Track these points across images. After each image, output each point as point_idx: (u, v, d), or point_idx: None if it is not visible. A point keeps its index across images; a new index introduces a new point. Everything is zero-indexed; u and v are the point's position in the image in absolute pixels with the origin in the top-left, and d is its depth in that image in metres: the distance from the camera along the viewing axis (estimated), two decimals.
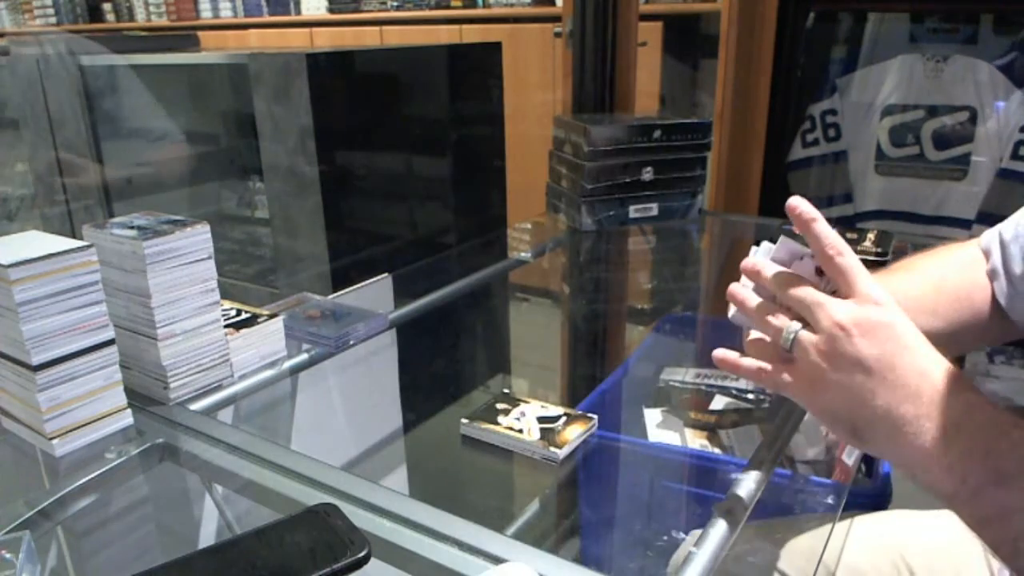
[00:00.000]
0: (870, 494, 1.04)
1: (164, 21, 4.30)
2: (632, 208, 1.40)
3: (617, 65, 1.62)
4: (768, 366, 0.59)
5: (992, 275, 0.75)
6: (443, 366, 1.29)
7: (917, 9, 1.90)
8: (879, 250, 1.08)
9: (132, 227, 0.74)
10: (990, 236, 0.77)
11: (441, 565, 0.52)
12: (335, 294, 1.06)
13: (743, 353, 0.63)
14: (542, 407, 0.79)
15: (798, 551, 0.75)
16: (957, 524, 0.78)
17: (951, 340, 0.73)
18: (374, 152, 1.53)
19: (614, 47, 1.61)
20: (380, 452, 1.13)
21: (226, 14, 4.08)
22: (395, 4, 3.45)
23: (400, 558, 0.54)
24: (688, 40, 2.77)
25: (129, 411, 0.71)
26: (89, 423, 0.68)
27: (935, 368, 0.51)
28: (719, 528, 0.56)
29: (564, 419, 0.77)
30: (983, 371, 2.01)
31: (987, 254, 0.77)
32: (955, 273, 0.76)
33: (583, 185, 1.36)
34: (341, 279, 1.41)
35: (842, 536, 0.77)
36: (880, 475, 1.08)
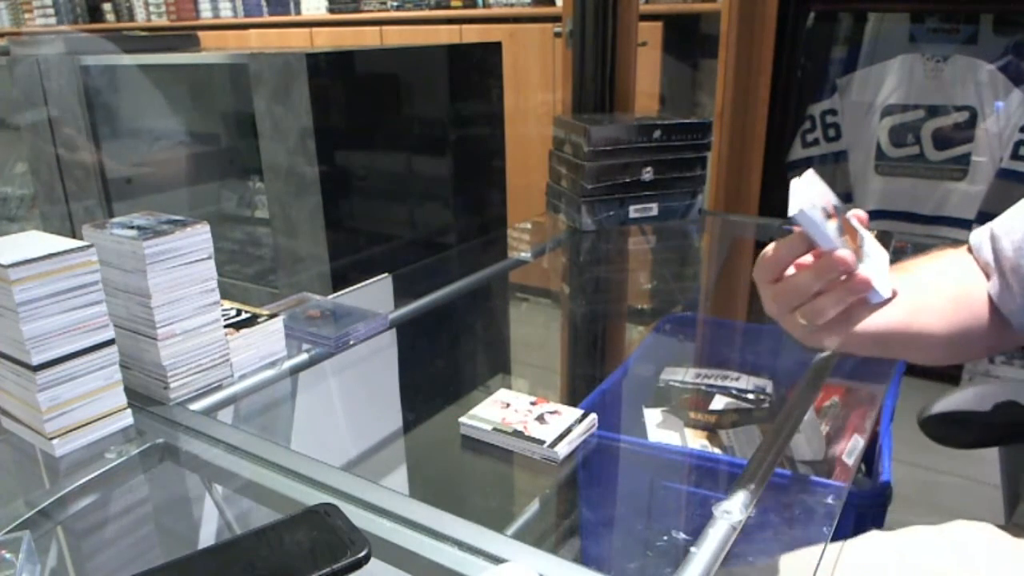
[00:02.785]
0: (870, 494, 1.04)
1: (164, 21, 4.30)
2: (632, 208, 1.40)
3: (617, 65, 1.62)
4: None
5: (986, 270, 0.74)
6: (443, 366, 1.29)
7: (917, 9, 1.90)
8: None
9: (132, 227, 0.74)
10: (980, 234, 0.77)
11: (441, 565, 0.52)
12: (335, 294, 1.06)
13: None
14: (542, 407, 0.79)
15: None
16: (955, 543, 0.76)
17: (951, 345, 0.72)
18: (374, 152, 1.53)
19: (614, 47, 1.61)
20: (380, 452, 1.13)
21: (226, 14, 4.08)
22: (395, 4, 3.45)
23: (400, 558, 0.54)
24: (688, 40, 2.77)
25: (129, 411, 0.71)
26: (89, 423, 0.68)
27: None
28: (719, 528, 0.56)
29: (564, 419, 0.77)
30: (983, 371, 2.01)
31: (977, 252, 0.76)
32: (952, 274, 0.75)
33: (583, 185, 1.35)
34: (341, 279, 1.41)
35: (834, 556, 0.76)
36: (880, 475, 1.08)
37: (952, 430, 0.88)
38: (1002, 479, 0.93)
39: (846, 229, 0.61)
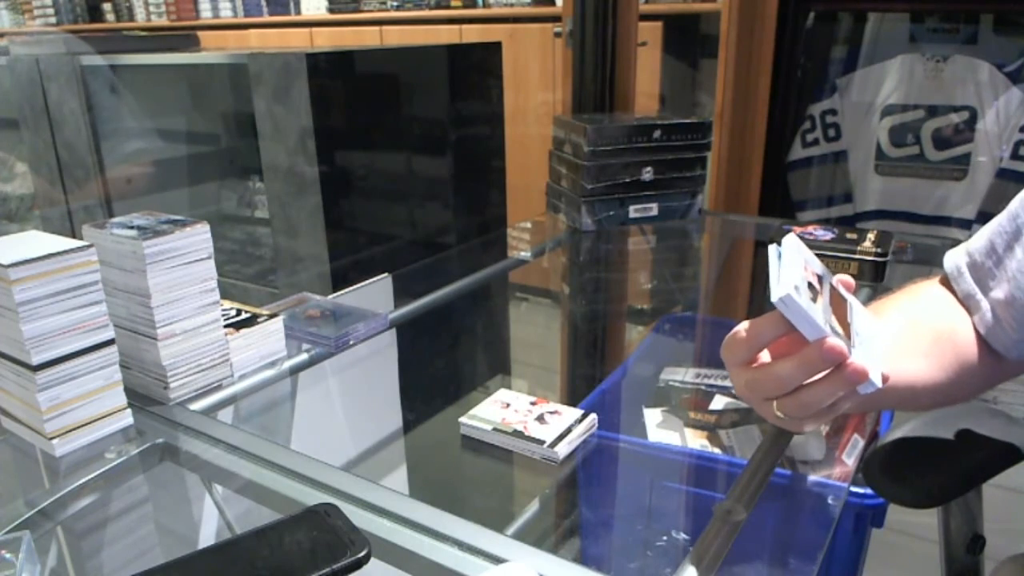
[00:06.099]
0: (870, 495, 1.04)
1: (164, 21, 4.30)
2: (632, 208, 1.40)
3: (617, 65, 1.62)
4: None
5: (968, 303, 0.67)
6: (443, 366, 1.29)
7: (917, 9, 1.90)
8: (879, 250, 1.08)
9: (132, 227, 0.74)
10: (955, 258, 0.69)
11: (441, 565, 0.52)
12: (335, 294, 1.06)
13: None
14: (542, 407, 0.79)
15: None
16: None
17: (940, 390, 0.64)
18: (374, 152, 1.53)
19: (614, 47, 1.61)
20: (380, 452, 1.13)
21: (226, 14, 4.08)
22: (395, 4, 3.45)
23: (400, 558, 0.54)
24: (688, 40, 2.77)
25: (129, 411, 0.71)
26: (89, 423, 0.68)
27: None
28: (719, 528, 0.56)
29: (564, 419, 0.77)
30: None
31: (955, 282, 0.69)
32: (932, 313, 0.68)
33: (583, 185, 1.36)
34: (341, 279, 1.41)
35: None
36: None
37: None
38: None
39: (833, 300, 0.54)
